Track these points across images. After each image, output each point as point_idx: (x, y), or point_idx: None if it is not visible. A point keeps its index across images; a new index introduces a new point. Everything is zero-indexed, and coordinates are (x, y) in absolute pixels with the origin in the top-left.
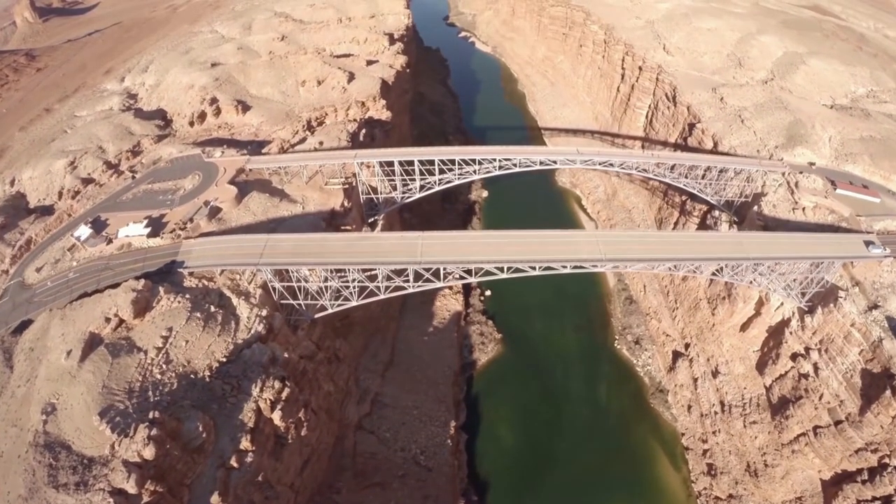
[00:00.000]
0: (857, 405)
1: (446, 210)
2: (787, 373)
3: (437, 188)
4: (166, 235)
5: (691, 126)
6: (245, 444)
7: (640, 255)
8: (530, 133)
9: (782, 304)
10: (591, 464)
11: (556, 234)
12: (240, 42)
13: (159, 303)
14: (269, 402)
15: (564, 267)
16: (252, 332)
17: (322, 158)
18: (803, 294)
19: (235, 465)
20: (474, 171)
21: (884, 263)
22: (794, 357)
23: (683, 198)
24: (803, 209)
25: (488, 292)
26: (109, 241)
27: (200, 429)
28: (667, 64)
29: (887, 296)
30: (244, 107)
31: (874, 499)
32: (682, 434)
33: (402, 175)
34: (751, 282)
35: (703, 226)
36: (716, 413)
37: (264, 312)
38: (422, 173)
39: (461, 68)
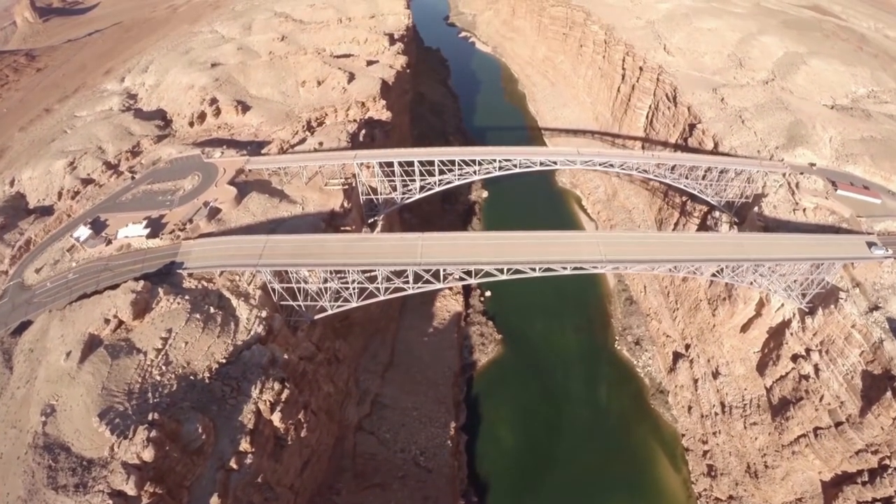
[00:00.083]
0: (858, 406)
1: (446, 211)
2: (787, 374)
3: (437, 189)
4: (166, 236)
5: (692, 126)
6: (245, 445)
7: (641, 256)
8: (530, 133)
9: (783, 305)
10: (592, 465)
11: (556, 235)
12: (240, 42)
13: (159, 304)
14: (268, 403)
15: (565, 268)
16: (252, 333)
17: (322, 159)
18: (804, 295)
19: (235, 466)
20: (474, 172)
21: (884, 264)
22: (794, 358)
23: (684, 198)
24: (804, 210)
25: (488, 293)
26: (109, 242)
27: (200, 430)
28: (667, 64)
29: (888, 297)
30: (244, 107)
31: (874, 500)
32: (683, 435)
33: (401, 176)
34: (751, 283)
35: (703, 226)
36: (716, 414)
37: (264, 314)
38: (422, 174)
39: (461, 68)
